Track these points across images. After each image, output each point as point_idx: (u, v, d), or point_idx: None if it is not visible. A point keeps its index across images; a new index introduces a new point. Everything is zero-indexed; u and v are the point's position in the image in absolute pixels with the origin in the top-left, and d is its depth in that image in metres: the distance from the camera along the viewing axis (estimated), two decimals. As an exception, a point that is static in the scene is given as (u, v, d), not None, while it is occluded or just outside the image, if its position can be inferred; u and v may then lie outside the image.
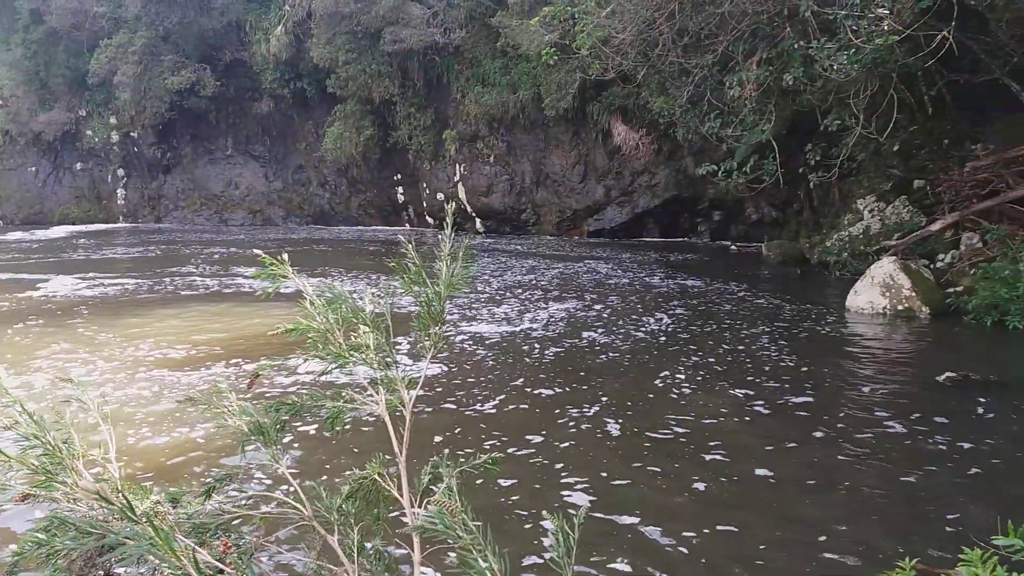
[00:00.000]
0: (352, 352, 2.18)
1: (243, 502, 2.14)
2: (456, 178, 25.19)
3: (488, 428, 6.60)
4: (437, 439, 6.24)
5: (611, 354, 9.31)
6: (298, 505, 2.10)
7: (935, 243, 13.48)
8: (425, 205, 26.61)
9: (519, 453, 5.97)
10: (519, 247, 21.35)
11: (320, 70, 25.66)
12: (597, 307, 12.34)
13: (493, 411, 7.08)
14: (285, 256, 2.16)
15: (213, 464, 5.65)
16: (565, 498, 5.11)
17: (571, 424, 6.67)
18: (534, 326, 10.87)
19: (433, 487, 2.20)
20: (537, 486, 5.34)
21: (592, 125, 21.95)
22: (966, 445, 5.96)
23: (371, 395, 2.27)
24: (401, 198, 27.78)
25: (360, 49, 24.39)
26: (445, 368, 8.46)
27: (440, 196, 25.73)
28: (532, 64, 20.02)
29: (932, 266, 12.88)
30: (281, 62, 26.80)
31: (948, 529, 4.66)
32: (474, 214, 25.40)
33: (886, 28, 10.35)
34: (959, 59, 13.97)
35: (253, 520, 2.09)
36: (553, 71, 18.67)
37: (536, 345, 9.67)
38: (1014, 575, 3.66)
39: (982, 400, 7.11)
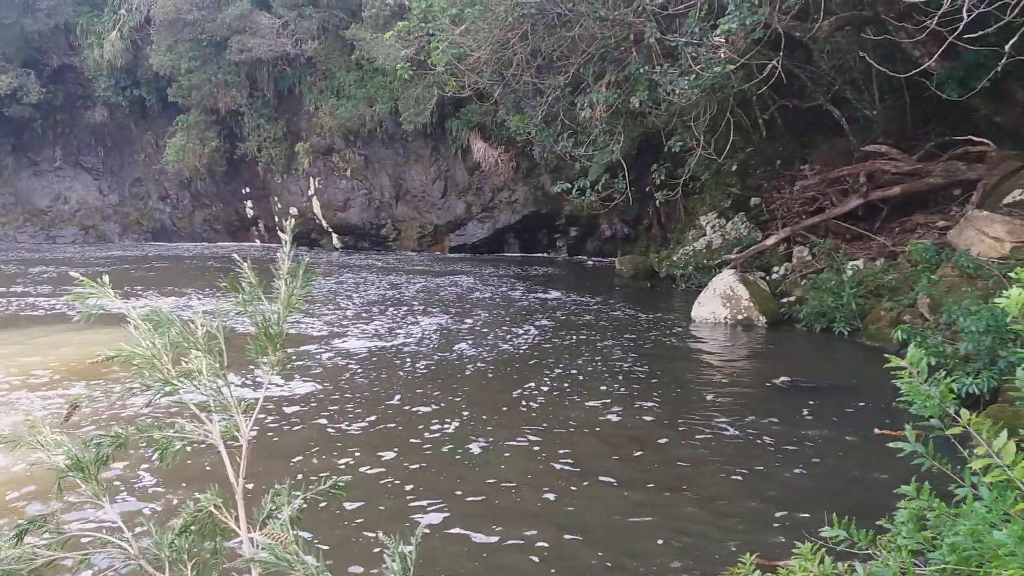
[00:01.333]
0: (182, 378, 2.03)
1: (61, 543, 1.96)
2: (310, 192, 24.43)
3: (350, 446, 6.45)
4: (297, 459, 6.09)
5: (478, 365, 9.40)
6: (123, 543, 1.92)
7: (770, 256, 14.49)
8: (277, 220, 25.55)
9: (373, 472, 5.88)
10: (380, 263, 20.97)
11: (160, 78, 24.11)
12: (465, 321, 12.35)
13: (358, 429, 6.95)
14: (106, 278, 2.01)
15: (29, 503, 5.11)
16: (416, 517, 5.04)
17: (432, 440, 6.62)
18: (405, 341, 10.79)
19: (277, 515, 2.07)
20: (388, 507, 5.24)
21: (452, 141, 21.97)
22: (792, 448, 6.38)
23: (205, 422, 2.11)
24: (250, 212, 26.56)
25: (205, 57, 23.17)
26: (318, 385, 8.33)
27: (293, 211, 24.84)
28: (389, 78, 19.79)
29: (768, 278, 13.82)
30: (116, 68, 24.93)
31: (781, 524, 4.95)
32: (331, 229, 24.70)
33: (722, 56, 11.01)
34: (789, 86, 15.19)
35: (71, 562, 1.94)
36: (410, 86, 18.55)
37: (407, 360, 9.61)
38: (839, 564, 3.88)
39: (810, 402, 7.67)
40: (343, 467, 5.97)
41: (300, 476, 5.67)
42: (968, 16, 7.60)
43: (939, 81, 11.57)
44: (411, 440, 6.65)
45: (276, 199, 25.28)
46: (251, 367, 7.89)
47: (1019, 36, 7.54)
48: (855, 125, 15.83)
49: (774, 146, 17.50)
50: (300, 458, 6.16)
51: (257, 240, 26.72)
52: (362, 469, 5.95)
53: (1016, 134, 12.44)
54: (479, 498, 5.39)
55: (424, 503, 5.30)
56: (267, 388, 2.28)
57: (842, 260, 12.62)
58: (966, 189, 12.63)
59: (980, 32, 7.90)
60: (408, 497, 5.41)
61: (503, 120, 18.51)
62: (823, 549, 4.07)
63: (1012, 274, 3.28)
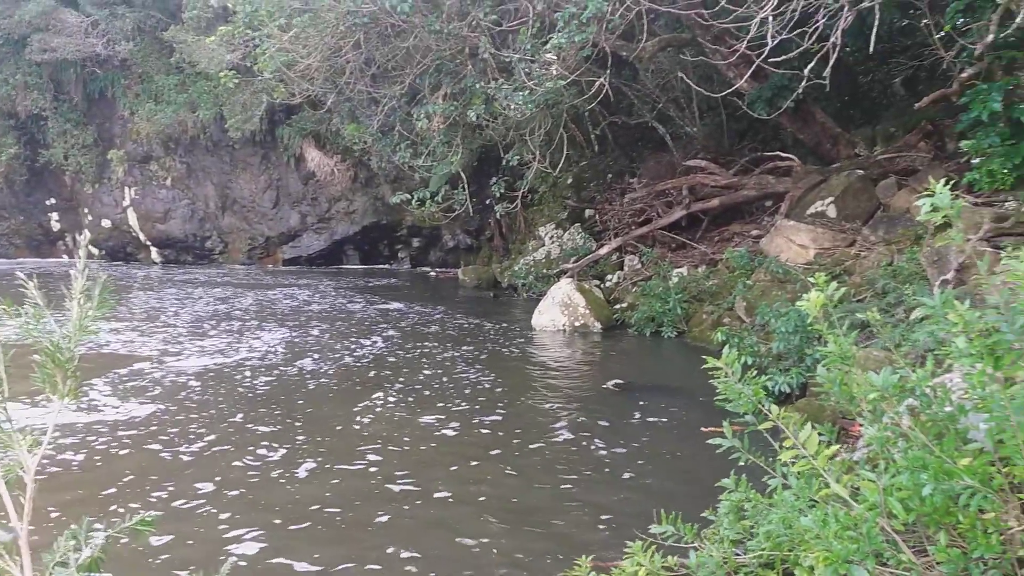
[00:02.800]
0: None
1: None
2: (126, 203, 22.56)
3: (174, 473, 6.02)
4: (114, 490, 5.67)
5: (320, 381, 9.08)
6: None
7: (604, 265, 15.04)
8: (88, 233, 23.39)
9: (191, 503, 5.46)
10: (206, 277, 19.71)
11: (-55, 76, 21.42)
12: (305, 335, 11.88)
13: (188, 454, 6.50)
14: None
15: None
16: (232, 549, 4.71)
17: (260, 465, 6.22)
18: (245, 357, 10.28)
19: (68, 561, 1.80)
20: (201, 541, 4.87)
21: (284, 149, 21.08)
22: (621, 450, 6.56)
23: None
24: (57, 226, 24.11)
25: (0, 56, 20.88)
26: (156, 406, 7.85)
27: (106, 223, 22.84)
28: (213, 83, 18.68)
29: (602, 285, 14.33)
30: None
31: (614, 525, 5.06)
32: (149, 243, 22.94)
33: (555, 72, 11.31)
34: (618, 103, 15.91)
35: None
36: (237, 91, 17.61)
37: (246, 376, 9.18)
38: (669, 559, 3.99)
39: (640, 403, 7.99)
40: (162, 497, 5.55)
41: (116, 507, 5.27)
42: (773, 42, 8.27)
43: (750, 101, 12.53)
44: (236, 464, 6.25)
45: (87, 211, 23.14)
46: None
47: (816, 61, 8.28)
48: (678, 141, 16.85)
49: (606, 160, 18.26)
50: (119, 488, 5.72)
51: (65, 255, 24.28)
52: (179, 501, 5.49)
53: (817, 150, 13.73)
54: (302, 525, 5.11)
55: (241, 533, 4.95)
56: (57, 417, 1.99)
57: (668, 268, 13.34)
58: (776, 200, 13.75)
59: (784, 57, 8.62)
60: (224, 528, 5.04)
61: (338, 129, 18.03)
62: (653, 546, 4.19)
63: (812, 279, 3.52)
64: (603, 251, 15.10)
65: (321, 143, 20.43)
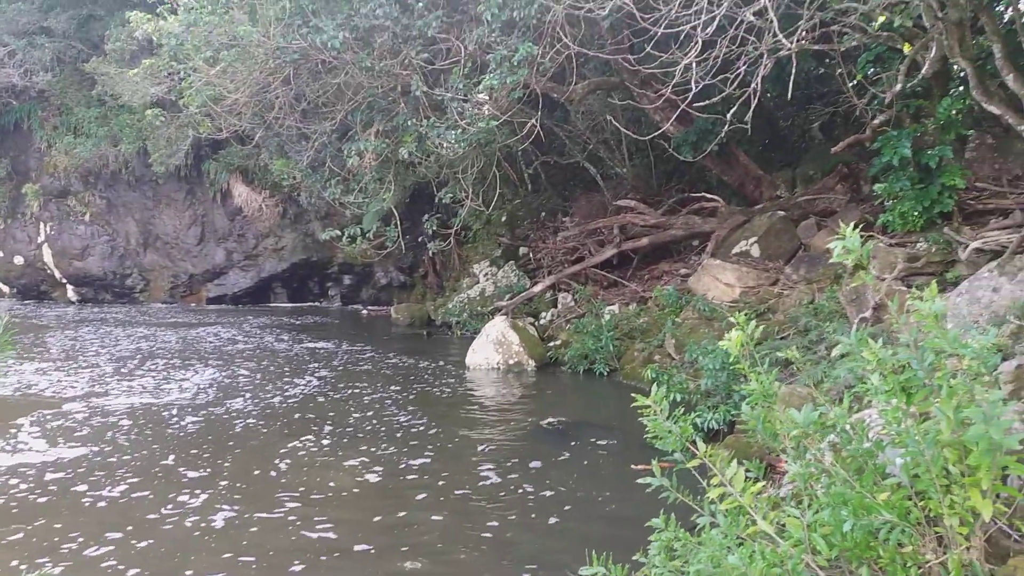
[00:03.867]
0: None
1: None
2: (41, 239, 21.58)
3: (87, 522, 5.76)
4: (16, 538, 5.44)
5: (248, 422, 8.83)
6: None
7: (538, 302, 15.11)
8: (-1, 271, 22.30)
9: (97, 553, 5.18)
10: (125, 316, 18.94)
11: None
12: (233, 376, 11.51)
13: (105, 501, 6.26)
14: None
15: None
16: None
17: (176, 513, 5.96)
18: (172, 399, 9.99)
19: None
20: None
21: (210, 184, 20.60)
22: (549, 493, 6.46)
23: None
24: (-34, 263, 22.92)
25: (-92, 83, 19.93)
26: (84, 449, 7.60)
27: (19, 260, 21.79)
28: (136, 116, 18.18)
29: (536, 323, 14.36)
30: None
31: (539, 572, 4.96)
32: (65, 280, 21.95)
33: (487, 112, 11.43)
34: (550, 143, 16.17)
35: None
36: (162, 125, 17.17)
37: (173, 419, 8.93)
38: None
39: (572, 443, 7.94)
40: (72, 548, 5.29)
41: (23, 558, 5.05)
42: (696, 87, 8.54)
43: (676, 144, 12.91)
44: (152, 512, 5.97)
45: (-2, 247, 22.07)
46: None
47: (738, 106, 8.58)
48: (609, 181, 17.20)
49: (539, 199, 18.48)
50: (28, 535, 5.52)
51: (-27, 294, 23.05)
52: (89, 550, 5.23)
53: (741, 192, 14.20)
54: (217, 574, 4.89)
55: None
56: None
57: (600, 305, 13.49)
58: (702, 240, 14.12)
59: (707, 101, 8.92)
60: None
61: (267, 164, 17.74)
62: (585, 589, 4.12)
63: (733, 318, 3.58)
64: (537, 289, 15.17)
65: (249, 178, 20.05)
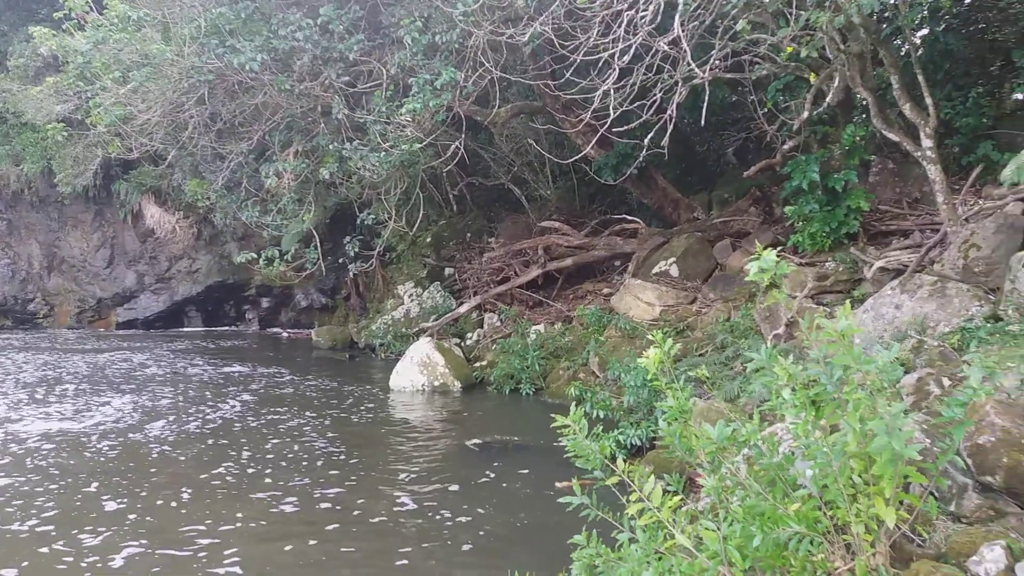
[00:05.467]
0: None
1: None
2: (-65, 263, 20.31)
3: None
4: None
5: (165, 448, 8.57)
6: None
7: (464, 323, 15.06)
8: None
9: None
10: (28, 342, 17.92)
11: None
12: (147, 403, 11.05)
13: (5, 535, 5.89)
14: None
15: None
16: None
17: (78, 549, 5.63)
18: (79, 427, 9.59)
19: None
20: None
21: (120, 205, 19.79)
22: (467, 518, 6.33)
23: None
24: None
25: None
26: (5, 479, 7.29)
27: (-89, 285, 20.41)
28: (40, 134, 17.35)
29: (463, 343, 14.31)
30: None
31: None
32: (-38, 306, 20.68)
33: (410, 134, 11.39)
34: (474, 165, 16.24)
35: None
36: (68, 144, 16.43)
37: (91, 444, 8.68)
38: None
39: (495, 464, 7.88)
40: None
41: None
42: (615, 113, 8.73)
43: (597, 167, 13.16)
44: (52, 546, 5.64)
45: None
46: None
47: (655, 131, 8.82)
48: (533, 203, 17.37)
49: (464, 220, 18.49)
50: None
51: None
52: None
53: (660, 214, 14.57)
54: None
55: None
56: None
57: (526, 325, 13.55)
58: (624, 260, 14.40)
59: (626, 127, 9.13)
60: None
61: (180, 184, 17.17)
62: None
63: (650, 336, 3.65)
64: (463, 309, 15.14)
65: (162, 199, 19.37)
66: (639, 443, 7.59)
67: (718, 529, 2.78)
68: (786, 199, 10.58)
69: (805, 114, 9.39)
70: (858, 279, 9.26)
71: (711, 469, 3.07)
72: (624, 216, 15.16)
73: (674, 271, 12.57)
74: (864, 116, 9.98)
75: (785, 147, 10.53)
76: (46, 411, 10.53)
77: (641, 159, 10.23)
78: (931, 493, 3.03)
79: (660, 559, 3.11)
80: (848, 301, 3.18)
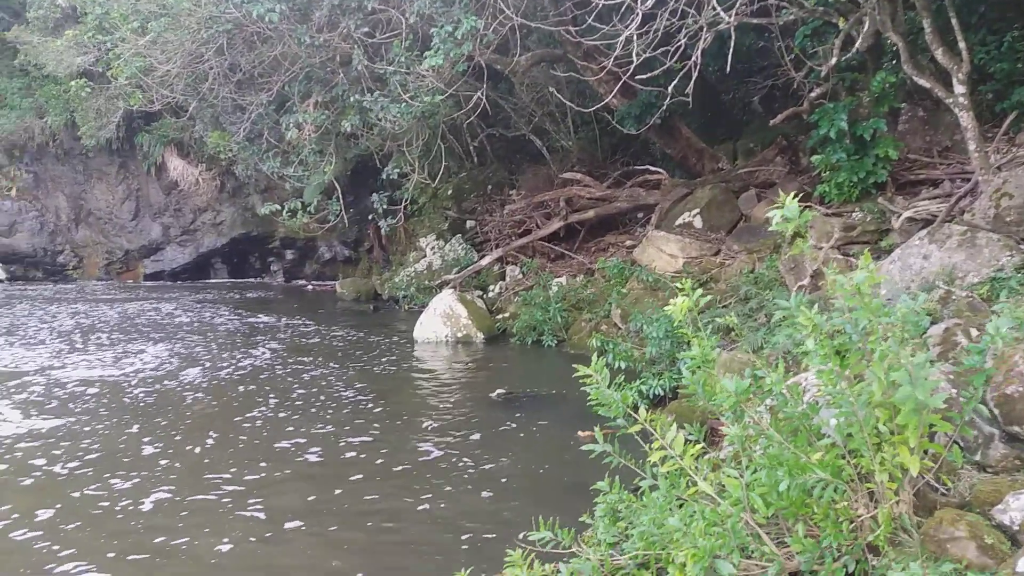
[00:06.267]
0: None
1: None
2: (-34, 216, 20.63)
3: (11, 501, 5.69)
4: None
5: (198, 395, 8.87)
6: None
7: (486, 275, 15.10)
8: None
9: (25, 536, 5.12)
10: (59, 294, 18.31)
11: None
12: (178, 353, 11.42)
13: (34, 478, 6.22)
14: None
15: None
16: None
17: (111, 493, 5.85)
18: (123, 373, 10.06)
19: None
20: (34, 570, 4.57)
21: (143, 158, 19.88)
22: (492, 465, 6.43)
23: None
24: None
25: None
26: (54, 422, 7.71)
27: (-58, 238, 20.80)
28: (63, 86, 17.40)
29: (485, 296, 14.37)
30: None
31: (476, 543, 4.98)
32: (-7, 259, 21.08)
33: (430, 85, 11.25)
34: (495, 116, 16.05)
35: None
36: (90, 97, 16.46)
37: (129, 390, 9.06)
38: (547, 566, 4.00)
39: (517, 414, 7.97)
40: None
41: None
42: (638, 60, 8.56)
43: (619, 117, 12.96)
44: (84, 494, 5.85)
45: (-82, 224, 20.97)
46: None
47: (680, 79, 8.64)
48: (555, 154, 17.19)
49: (485, 172, 18.37)
50: None
51: None
52: (17, 532, 5.16)
53: (683, 164, 14.37)
54: (141, 556, 4.83)
55: (71, 567, 4.66)
56: None
57: (548, 278, 13.55)
58: (647, 212, 14.27)
59: (650, 74, 8.95)
60: (61, 561, 4.74)
61: (202, 136, 17.20)
62: (532, 553, 4.19)
63: (678, 285, 3.64)
64: (484, 262, 15.16)
65: (184, 151, 19.43)
66: (661, 393, 7.64)
67: (741, 476, 2.81)
68: (813, 148, 10.37)
69: (833, 60, 9.14)
70: (885, 230, 9.12)
71: (734, 418, 3.09)
72: (647, 167, 14.98)
73: (698, 222, 12.46)
74: (894, 62, 9.67)
75: (812, 95, 10.28)
76: (86, 358, 10.93)
77: (664, 108, 10.07)
78: (956, 442, 3.03)
79: (682, 506, 3.16)
80: (868, 250, 3.14)
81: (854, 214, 9.66)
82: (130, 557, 4.80)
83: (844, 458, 2.80)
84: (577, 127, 16.92)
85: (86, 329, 13.38)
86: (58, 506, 5.58)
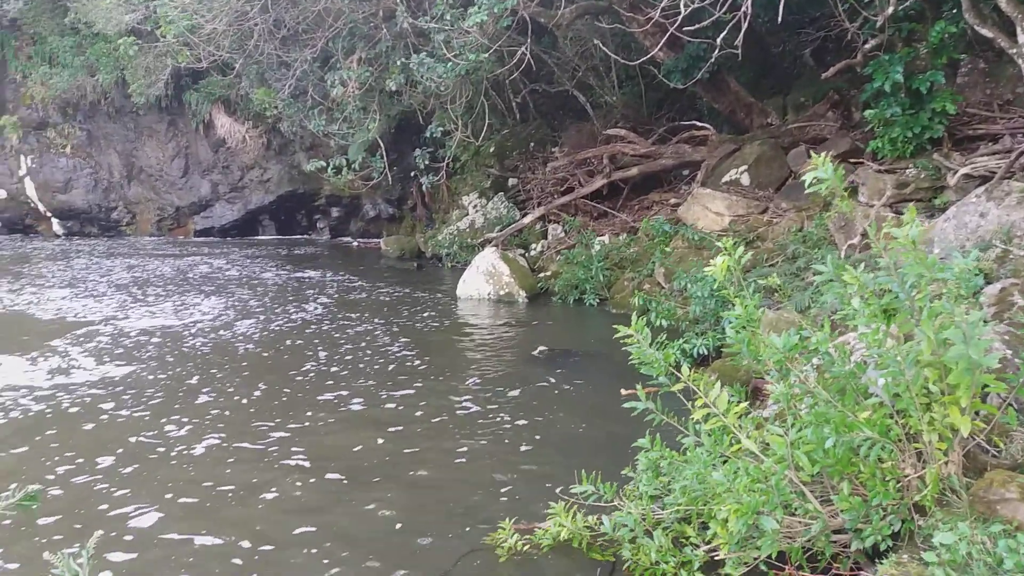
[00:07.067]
0: None
1: None
2: (22, 172, 21.20)
3: (71, 446, 5.97)
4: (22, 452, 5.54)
5: (249, 347, 9.20)
6: None
7: (528, 234, 15.08)
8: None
9: (86, 480, 5.36)
10: (115, 249, 18.90)
11: None
12: (237, 304, 11.93)
13: (110, 421, 6.54)
14: None
15: None
16: (121, 523, 4.70)
17: (161, 440, 6.11)
18: (181, 323, 10.58)
19: None
20: (88, 517, 4.79)
21: (191, 115, 20.17)
22: (526, 422, 6.48)
23: None
24: (-52, 197, 22.56)
25: None
26: (120, 369, 8.15)
27: (2, 193, 21.48)
28: (112, 44, 17.64)
29: (527, 254, 14.38)
30: None
31: (515, 496, 5.06)
32: (50, 214, 21.69)
33: (474, 42, 11.14)
34: (538, 71, 15.82)
35: None
36: (139, 55, 16.68)
37: (187, 340, 9.48)
38: (590, 518, 4.07)
39: (559, 371, 8.02)
40: (66, 469, 5.53)
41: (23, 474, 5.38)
42: (685, 10, 8.34)
43: (666, 71, 12.68)
44: (141, 439, 6.13)
45: (-21, 181, 21.69)
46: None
47: (728, 31, 8.41)
48: (598, 110, 16.94)
49: (528, 129, 18.20)
50: (28, 452, 5.84)
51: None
52: (78, 477, 5.42)
53: (731, 120, 14.05)
54: (192, 500, 5.04)
55: (130, 510, 4.89)
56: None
57: (590, 236, 13.48)
58: (692, 169, 14.03)
59: (697, 26, 8.72)
60: (116, 503, 4.99)
61: (248, 93, 17.34)
62: (575, 506, 4.28)
63: (721, 244, 3.60)
64: (527, 220, 15.13)
65: (231, 109, 19.63)
66: (704, 352, 7.61)
67: (785, 434, 2.82)
68: (866, 102, 10.04)
69: (890, 10, 8.78)
70: (940, 187, 8.84)
71: (780, 376, 3.08)
72: (693, 122, 14.68)
73: (745, 180, 12.22)
74: (954, 11, 9.24)
75: (867, 46, 9.91)
76: (148, 309, 11.46)
77: (713, 61, 9.81)
78: (1010, 404, 2.98)
79: (725, 463, 3.18)
80: (918, 207, 3.05)
81: (908, 171, 9.37)
82: (181, 500, 5.01)
83: (892, 417, 2.78)
84: (622, 82, 16.61)
85: (142, 282, 13.86)
86: (119, 451, 5.84)
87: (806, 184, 2.98)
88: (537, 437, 6.15)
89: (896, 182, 9.06)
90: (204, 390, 7.42)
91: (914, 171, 9.26)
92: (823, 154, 2.99)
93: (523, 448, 5.90)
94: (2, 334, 9.85)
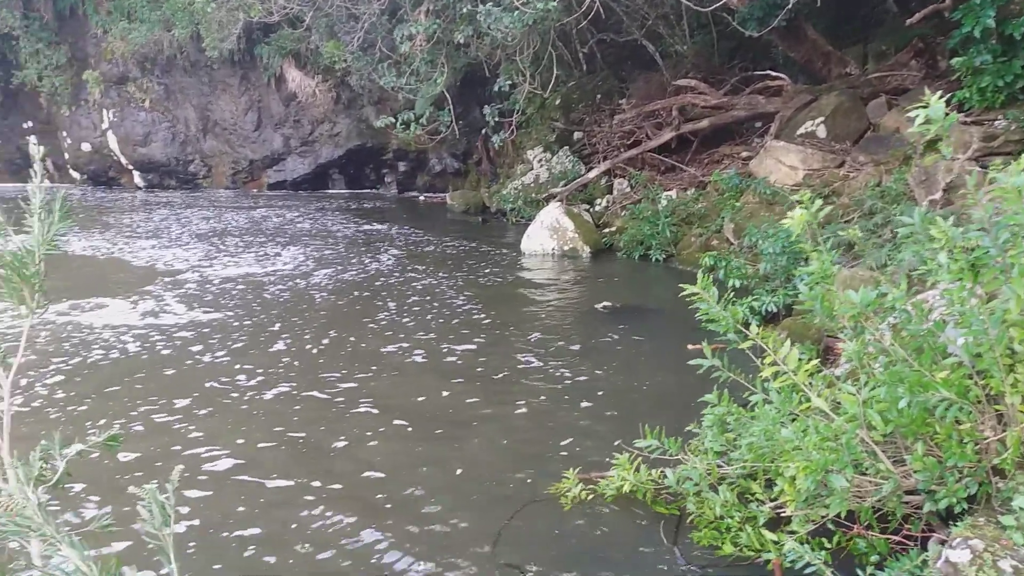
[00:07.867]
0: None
1: None
2: (105, 126, 22.00)
3: (154, 389, 6.31)
4: (108, 390, 5.99)
5: (324, 295, 9.63)
6: None
7: (593, 188, 14.93)
8: (68, 157, 22.90)
9: (163, 420, 5.69)
10: (194, 201, 19.59)
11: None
12: (313, 254, 12.37)
13: (174, 367, 6.88)
14: None
15: None
16: (196, 464, 4.94)
17: (234, 386, 6.39)
18: (262, 271, 11.12)
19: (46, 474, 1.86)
20: (167, 457, 5.06)
21: (263, 69, 20.49)
22: (587, 378, 6.51)
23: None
24: (35, 150, 23.59)
25: (-39, -30, 19.98)
26: (207, 315, 8.57)
27: (86, 147, 22.36)
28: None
29: (591, 209, 14.25)
30: None
31: (583, 446, 5.15)
32: (131, 167, 22.51)
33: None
34: (606, 20, 15.45)
35: None
36: (214, 9, 16.96)
37: (268, 288, 10.02)
38: (653, 471, 4.11)
39: (622, 327, 8.01)
40: (143, 411, 5.85)
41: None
42: (765, -47, 7.97)
43: (741, 19, 12.21)
44: (217, 384, 6.43)
45: (65, 134, 22.59)
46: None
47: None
48: (668, 60, 16.47)
49: (594, 80, 17.86)
50: (104, 396, 6.13)
51: (46, 180, 23.80)
52: (157, 416, 5.75)
53: (808, 69, 13.49)
54: (263, 444, 5.26)
55: (207, 450, 5.15)
56: (26, 330, 1.98)
57: (657, 191, 13.26)
58: (766, 121, 13.58)
59: (776, -30, 8.34)
60: (192, 444, 5.26)
61: (317, 47, 17.48)
62: (639, 459, 4.31)
63: (797, 197, 3.51)
64: (592, 175, 14.96)
65: (301, 63, 19.85)
66: (774, 310, 7.48)
67: (858, 393, 2.77)
68: (953, 50, 9.48)
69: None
70: (1034, 140, 8.35)
71: (853, 334, 3.02)
72: (767, 72, 14.15)
73: (821, 132, 11.78)
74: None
75: (959, -11, 9.33)
76: (231, 259, 12.03)
77: (790, 7, 9.41)
78: (1099, 368, 2.86)
79: (794, 420, 3.15)
80: (1023, 156, 2.90)
81: (997, 122, 8.86)
82: (253, 445, 5.25)
83: (971, 378, 2.70)
84: (693, 30, 16.07)
85: (221, 232, 14.41)
86: (195, 394, 6.14)
87: (904, 131, 2.87)
88: (599, 392, 6.19)
89: (983, 134, 8.59)
90: (282, 336, 7.73)
91: (1004, 123, 8.76)
92: (936, 93, 2.85)
93: (584, 404, 5.96)
94: (104, 279, 10.50)
